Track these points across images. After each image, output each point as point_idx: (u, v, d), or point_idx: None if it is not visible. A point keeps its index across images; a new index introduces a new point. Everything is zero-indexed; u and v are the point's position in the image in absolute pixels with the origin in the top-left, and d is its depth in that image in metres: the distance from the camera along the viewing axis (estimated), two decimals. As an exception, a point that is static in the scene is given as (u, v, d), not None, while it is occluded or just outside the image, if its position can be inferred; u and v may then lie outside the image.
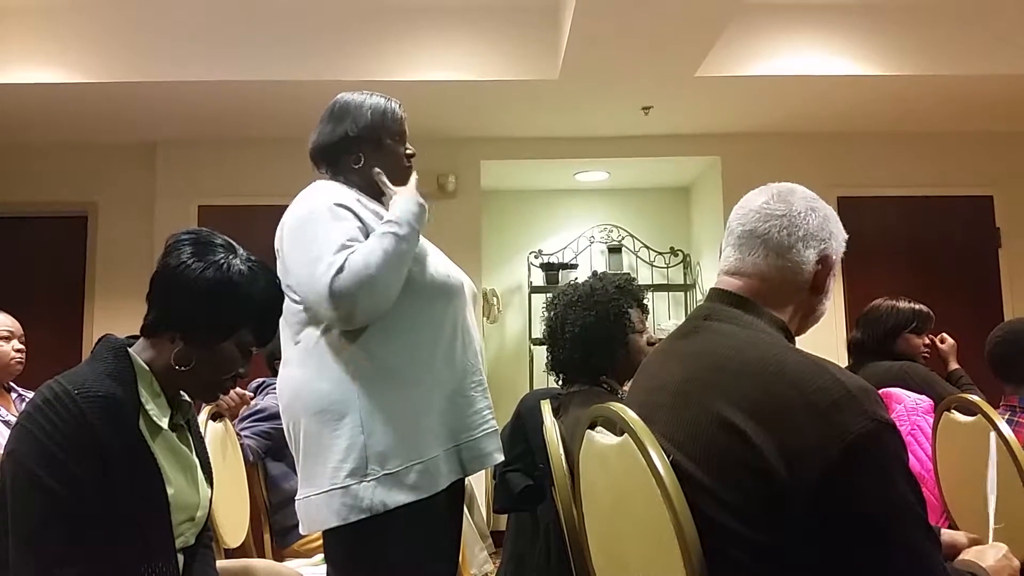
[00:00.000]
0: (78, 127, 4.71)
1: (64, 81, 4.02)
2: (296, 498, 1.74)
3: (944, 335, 3.28)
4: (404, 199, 1.77)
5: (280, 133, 4.76)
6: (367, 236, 1.71)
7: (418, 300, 1.74)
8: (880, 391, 2.57)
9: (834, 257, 1.31)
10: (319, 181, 1.86)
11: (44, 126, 4.66)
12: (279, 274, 1.76)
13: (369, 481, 1.63)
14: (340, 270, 1.61)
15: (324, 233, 1.67)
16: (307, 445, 1.70)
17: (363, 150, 1.87)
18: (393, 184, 1.89)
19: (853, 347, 3.13)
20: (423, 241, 1.86)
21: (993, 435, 1.61)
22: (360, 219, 1.73)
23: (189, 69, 4.03)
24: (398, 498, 1.63)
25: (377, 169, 1.84)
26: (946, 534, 1.36)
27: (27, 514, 1.25)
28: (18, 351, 2.82)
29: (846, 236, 1.35)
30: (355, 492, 1.63)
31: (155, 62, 4.02)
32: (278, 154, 4.87)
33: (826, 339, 3.22)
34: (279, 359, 1.84)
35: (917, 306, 3.09)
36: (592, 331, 2.20)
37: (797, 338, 1.30)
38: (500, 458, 1.85)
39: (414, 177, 1.88)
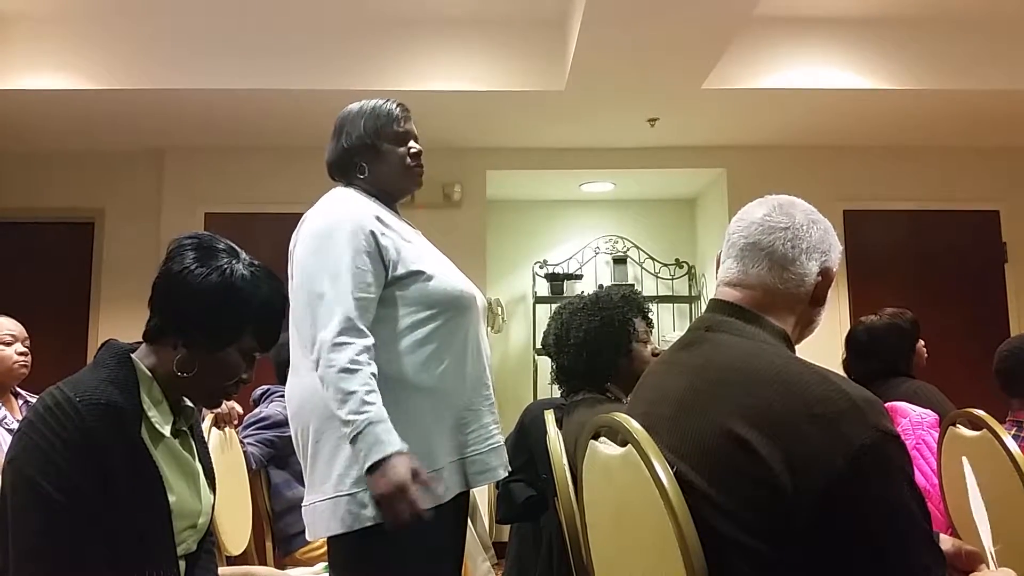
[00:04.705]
0: (86, 134, 4.73)
1: (72, 88, 4.04)
2: (303, 504, 1.74)
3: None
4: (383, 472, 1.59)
5: (287, 142, 4.78)
6: (382, 262, 1.73)
7: (431, 312, 1.75)
8: (886, 404, 2.55)
9: (834, 269, 1.32)
10: (338, 189, 1.88)
11: (52, 132, 4.69)
12: (290, 274, 1.77)
13: None
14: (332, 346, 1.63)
15: (340, 262, 1.69)
16: (315, 451, 1.70)
17: (363, 159, 1.89)
18: (401, 188, 1.92)
19: (866, 376, 2.92)
20: (436, 252, 1.87)
21: (965, 459, 1.59)
22: (378, 244, 1.74)
23: (197, 77, 4.05)
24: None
25: None
26: (944, 540, 1.35)
27: (27, 522, 1.25)
28: (21, 354, 2.79)
29: (841, 248, 1.35)
30: (361, 499, 1.63)
31: (163, 70, 4.04)
32: (285, 162, 4.89)
33: (834, 352, 3.20)
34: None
35: (907, 314, 3.06)
36: (596, 336, 2.20)
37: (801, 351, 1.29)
38: (504, 474, 1.85)
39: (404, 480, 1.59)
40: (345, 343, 1.62)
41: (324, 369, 1.62)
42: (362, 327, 1.65)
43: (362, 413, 1.59)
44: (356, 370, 1.61)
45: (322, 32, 4.07)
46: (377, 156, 1.89)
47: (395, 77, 4.08)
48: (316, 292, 1.68)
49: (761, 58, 4.10)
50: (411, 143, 1.93)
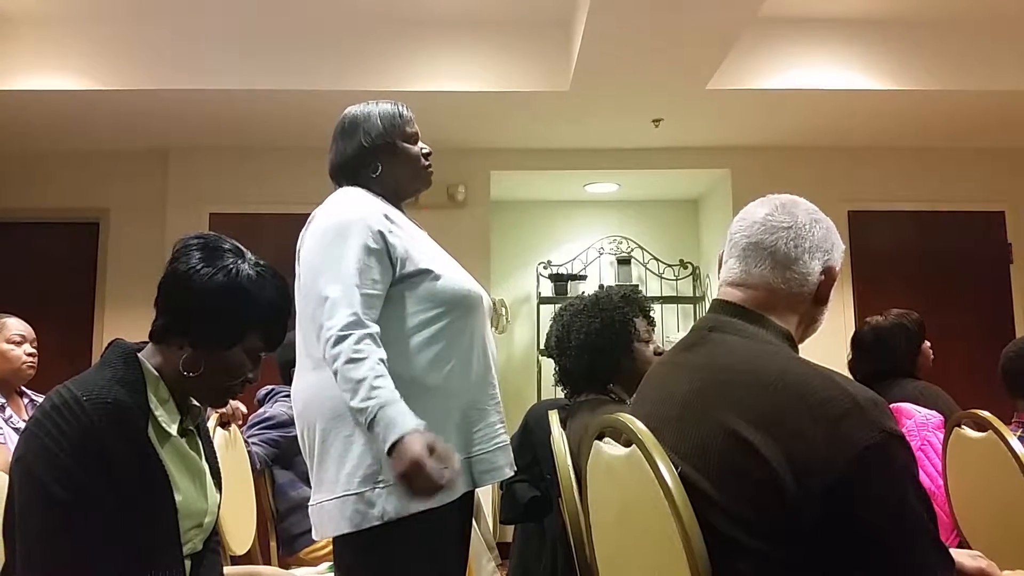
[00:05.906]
0: (91, 134, 4.74)
1: (77, 88, 4.05)
2: (309, 503, 1.74)
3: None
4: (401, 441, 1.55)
5: (291, 142, 4.79)
6: (390, 260, 1.73)
7: (439, 311, 1.75)
8: (891, 405, 2.54)
9: (837, 268, 1.32)
10: (347, 188, 1.87)
11: (57, 133, 4.70)
12: (297, 273, 1.77)
13: (381, 488, 1.63)
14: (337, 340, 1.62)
15: (347, 258, 1.69)
16: (321, 451, 1.70)
17: (379, 159, 1.89)
18: (412, 188, 1.93)
19: (871, 377, 2.91)
20: (442, 253, 1.87)
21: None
22: (387, 241, 1.74)
23: (201, 77, 4.06)
24: (409, 507, 1.63)
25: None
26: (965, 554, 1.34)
27: (34, 521, 1.25)
28: (30, 355, 2.84)
29: (844, 247, 1.35)
30: (367, 499, 1.63)
31: (167, 70, 4.05)
32: (289, 163, 4.90)
33: (839, 353, 3.20)
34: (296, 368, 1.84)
35: (913, 315, 3.05)
36: (597, 338, 2.20)
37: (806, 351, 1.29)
38: (510, 473, 1.85)
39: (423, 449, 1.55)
40: (347, 335, 1.62)
41: (332, 363, 1.62)
42: (366, 320, 1.65)
43: (372, 399, 1.58)
44: (361, 358, 1.60)
45: (326, 33, 4.08)
46: (394, 155, 1.90)
47: (400, 77, 4.09)
48: (322, 290, 1.68)
49: (765, 59, 4.10)
50: (422, 144, 1.96)
